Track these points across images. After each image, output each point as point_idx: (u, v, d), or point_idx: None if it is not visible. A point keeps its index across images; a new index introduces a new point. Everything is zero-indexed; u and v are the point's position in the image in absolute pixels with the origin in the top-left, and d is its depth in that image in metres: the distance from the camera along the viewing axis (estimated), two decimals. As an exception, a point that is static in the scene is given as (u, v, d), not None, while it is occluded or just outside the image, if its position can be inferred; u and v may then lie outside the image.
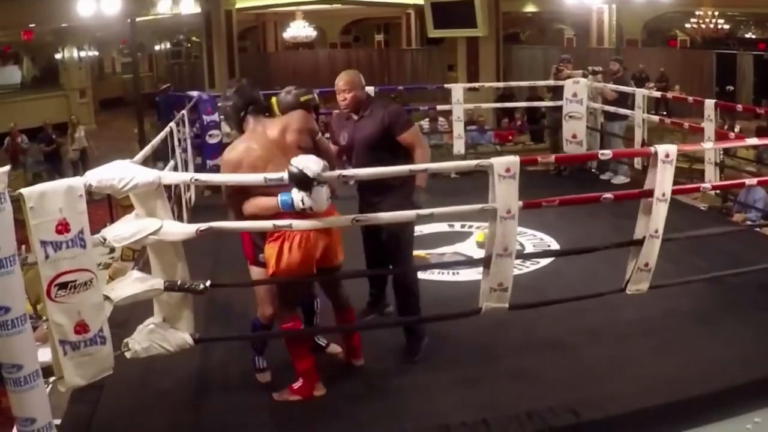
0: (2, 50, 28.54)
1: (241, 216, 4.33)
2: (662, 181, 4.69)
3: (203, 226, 4.07)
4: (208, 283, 4.21)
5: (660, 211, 4.71)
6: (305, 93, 5.16)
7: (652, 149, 4.80)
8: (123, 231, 4.00)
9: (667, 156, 4.69)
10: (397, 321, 5.41)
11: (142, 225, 4.02)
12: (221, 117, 9.25)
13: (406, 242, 5.25)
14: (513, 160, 4.29)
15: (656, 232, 4.75)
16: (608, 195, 4.84)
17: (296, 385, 4.62)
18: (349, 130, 5.31)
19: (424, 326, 5.21)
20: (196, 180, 4.48)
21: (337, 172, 4.41)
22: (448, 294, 6.02)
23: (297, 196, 4.04)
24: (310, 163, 3.99)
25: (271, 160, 4.33)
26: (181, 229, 4.14)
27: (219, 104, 4.63)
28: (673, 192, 4.83)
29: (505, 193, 4.28)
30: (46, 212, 3.59)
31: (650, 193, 4.73)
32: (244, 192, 4.30)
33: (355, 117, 5.29)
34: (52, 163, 18.68)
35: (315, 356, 4.77)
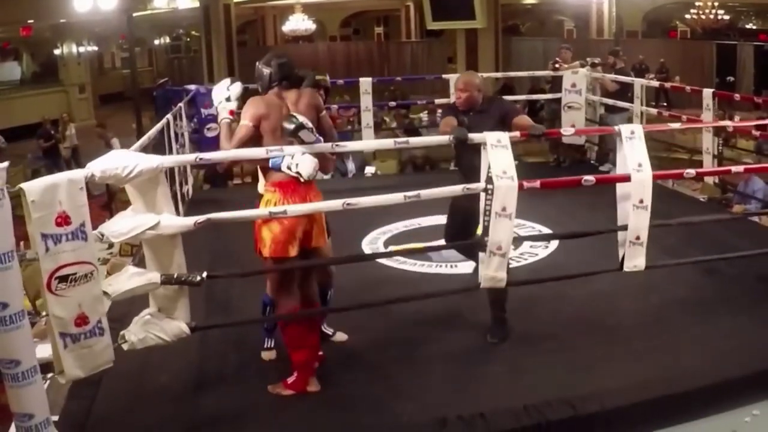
0: (1, 46, 28.51)
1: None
2: (632, 153, 4.74)
3: (201, 218, 4.09)
4: (204, 275, 4.22)
5: (641, 181, 4.72)
6: (320, 74, 5.63)
7: (615, 128, 4.97)
8: (121, 226, 4.00)
9: (632, 133, 4.83)
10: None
11: (140, 220, 4.03)
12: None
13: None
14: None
15: (641, 202, 4.76)
16: (589, 177, 4.94)
17: (290, 379, 4.63)
18: (470, 122, 5.40)
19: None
20: (200, 159, 4.51)
21: (330, 144, 4.68)
22: (447, 286, 6.04)
23: (287, 159, 4.39)
24: (303, 119, 4.40)
25: (270, 115, 4.60)
26: (179, 222, 4.15)
27: (258, 65, 4.75)
28: (656, 177, 4.89)
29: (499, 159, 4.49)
30: (47, 205, 3.59)
31: (628, 178, 4.82)
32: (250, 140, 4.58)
33: (470, 113, 5.43)
34: (51, 159, 18.64)
35: (320, 347, 4.83)
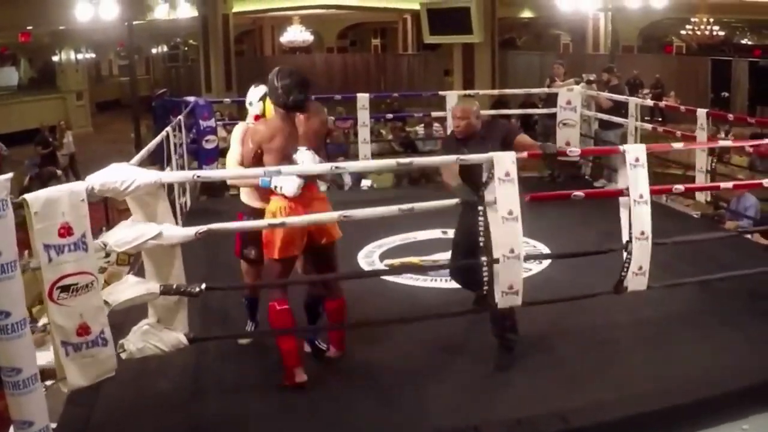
0: (0, 52, 28.54)
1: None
2: (636, 183, 4.77)
3: (202, 228, 4.15)
4: (203, 286, 4.27)
5: (641, 213, 4.77)
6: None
7: (621, 148, 4.92)
8: (124, 236, 4.04)
9: (637, 160, 4.79)
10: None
11: (143, 230, 4.07)
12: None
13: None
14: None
15: (642, 234, 4.80)
16: (579, 193, 4.97)
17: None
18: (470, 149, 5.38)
19: (516, 325, 5.21)
20: (198, 177, 4.48)
21: (329, 165, 4.95)
22: (441, 301, 6.09)
23: (274, 180, 4.72)
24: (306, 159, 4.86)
25: (274, 139, 4.88)
26: (180, 233, 4.19)
27: (271, 78, 4.87)
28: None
29: (506, 194, 4.47)
30: (50, 216, 3.64)
31: (620, 192, 4.86)
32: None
33: (470, 142, 5.36)
34: (48, 166, 18.64)
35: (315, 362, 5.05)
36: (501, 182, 4.45)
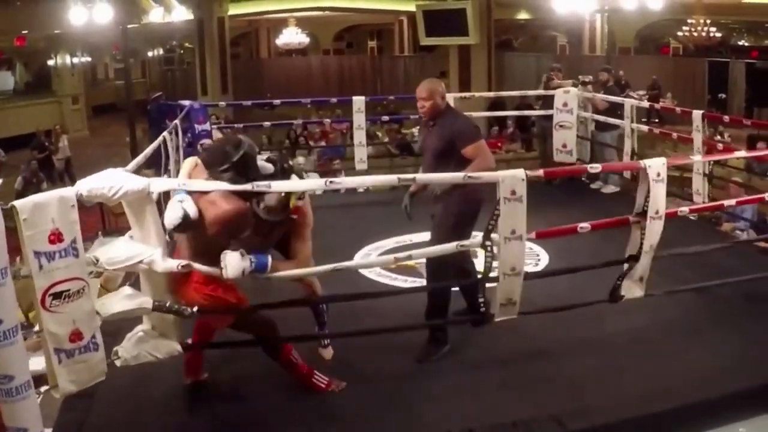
0: (-5, 56, 28.55)
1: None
2: (656, 199, 4.75)
3: (183, 262, 4.13)
4: (195, 309, 4.25)
5: (655, 228, 4.78)
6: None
7: (641, 164, 4.86)
8: (117, 254, 4.05)
9: (659, 175, 4.76)
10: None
11: (137, 251, 4.07)
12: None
13: (443, 237, 5.16)
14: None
15: (650, 247, 4.83)
16: (585, 225, 4.96)
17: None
18: (424, 136, 5.58)
19: (446, 333, 5.31)
20: (184, 185, 4.31)
21: (324, 180, 4.63)
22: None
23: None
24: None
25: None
26: (168, 264, 4.14)
27: (216, 140, 4.63)
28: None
29: (511, 215, 4.46)
30: (40, 223, 3.64)
31: (626, 221, 4.90)
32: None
33: (432, 123, 5.45)
34: (45, 170, 18.63)
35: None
36: (507, 201, 4.43)
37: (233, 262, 4.09)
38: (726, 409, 4.65)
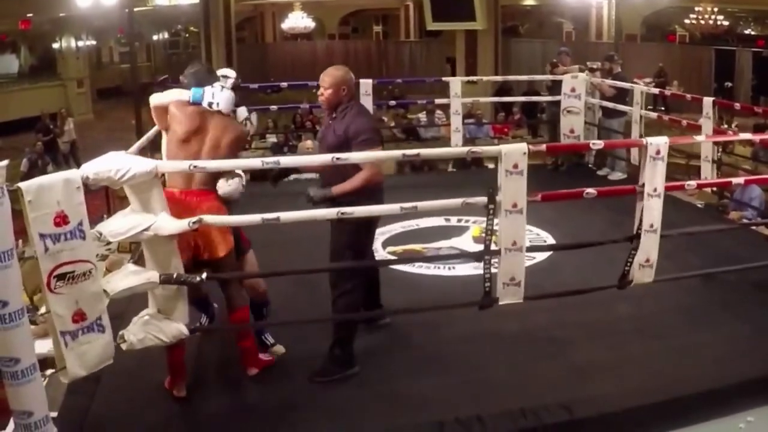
0: (0, 39, 28.44)
1: None
2: (653, 176, 4.73)
3: (193, 219, 4.10)
4: (204, 276, 4.24)
5: (653, 206, 4.74)
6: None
7: (643, 141, 4.87)
8: (118, 226, 4.02)
9: (658, 153, 4.75)
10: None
11: (137, 220, 4.04)
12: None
13: (338, 254, 4.93)
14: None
15: (651, 226, 4.78)
16: (591, 190, 4.89)
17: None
18: (323, 129, 5.13)
19: (351, 355, 4.92)
20: (194, 167, 4.35)
21: (331, 156, 4.53)
22: (445, 289, 6.05)
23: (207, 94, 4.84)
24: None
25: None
26: (174, 225, 4.13)
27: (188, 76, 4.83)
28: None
29: (512, 188, 4.41)
30: (45, 205, 3.60)
31: (632, 190, 4.82)
32: None
33: (334, 115, 4.96)
34: (50, 153, 18.63)
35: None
36: (508, 174, 4.39)
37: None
38: (734, 398, 4.62)
